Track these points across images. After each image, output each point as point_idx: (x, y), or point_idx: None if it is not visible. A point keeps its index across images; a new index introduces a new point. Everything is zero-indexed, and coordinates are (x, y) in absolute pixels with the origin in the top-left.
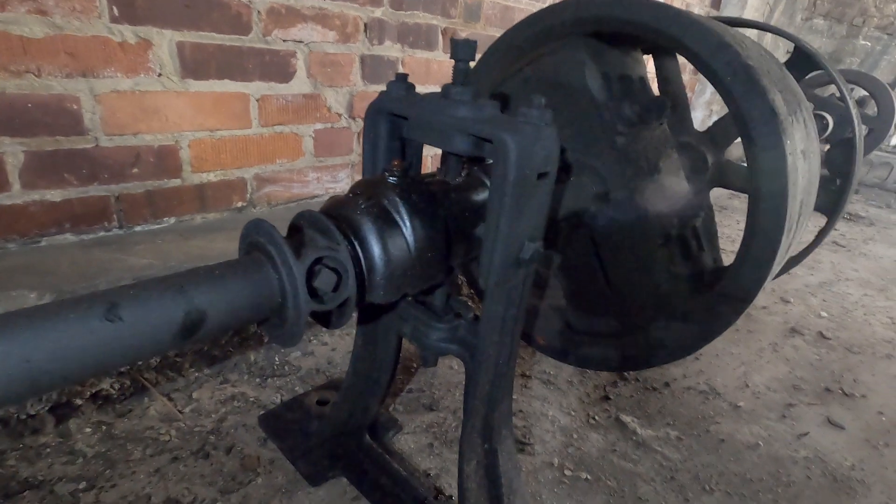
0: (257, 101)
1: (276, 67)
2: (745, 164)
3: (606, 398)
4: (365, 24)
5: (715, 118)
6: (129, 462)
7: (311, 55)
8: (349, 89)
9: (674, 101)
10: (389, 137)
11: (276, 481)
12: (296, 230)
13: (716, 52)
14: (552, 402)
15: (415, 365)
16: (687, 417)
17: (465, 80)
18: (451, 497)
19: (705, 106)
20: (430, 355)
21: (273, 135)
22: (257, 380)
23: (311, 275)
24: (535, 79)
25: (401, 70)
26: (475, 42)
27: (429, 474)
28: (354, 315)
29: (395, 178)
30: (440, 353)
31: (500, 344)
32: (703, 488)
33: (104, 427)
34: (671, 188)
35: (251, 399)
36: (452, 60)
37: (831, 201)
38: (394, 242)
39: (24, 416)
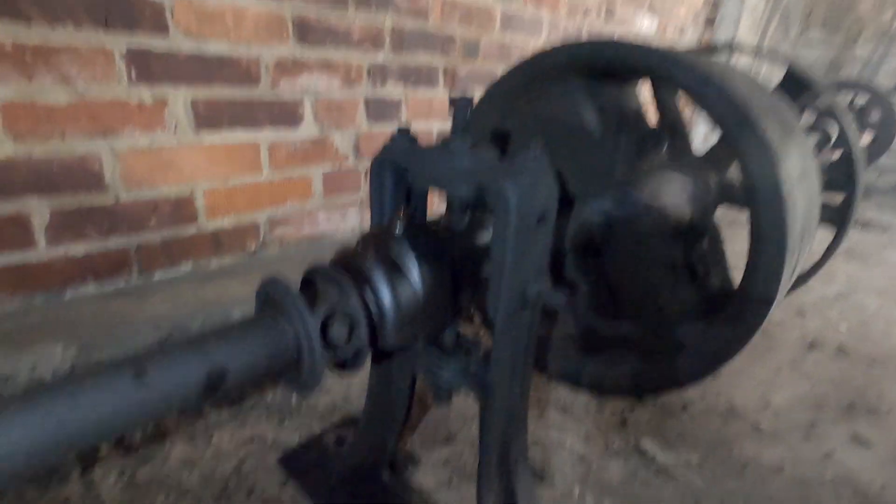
0: (268, 148)
1: (285, 115)
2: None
3: (624, 423)
4: (368, 69)
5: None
6: None
7: (318, 101)
8: (355, 131)
9: (672, 128)
10: (395, 186)
11: None
12: (308, 284)
13: (703, 87)
14: (569, 430)
15: (430, 399)
16: (708, 441)
17: (464, 132)
18: None
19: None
20: (443, 392)
21: (283, 179)
22: (275, 420)
23: (325, 327)
24: (534, 116)
25: (404, 109)
26: (471, 98)
27: None
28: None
29: (400, 228)
30: (452, 388)
31: (511, 382)
32: None
33: (127, 474)
34: (674, 215)
35: (270, 440)
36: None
37: (839, 213)
38: (403, 290)
39: (46, 469)
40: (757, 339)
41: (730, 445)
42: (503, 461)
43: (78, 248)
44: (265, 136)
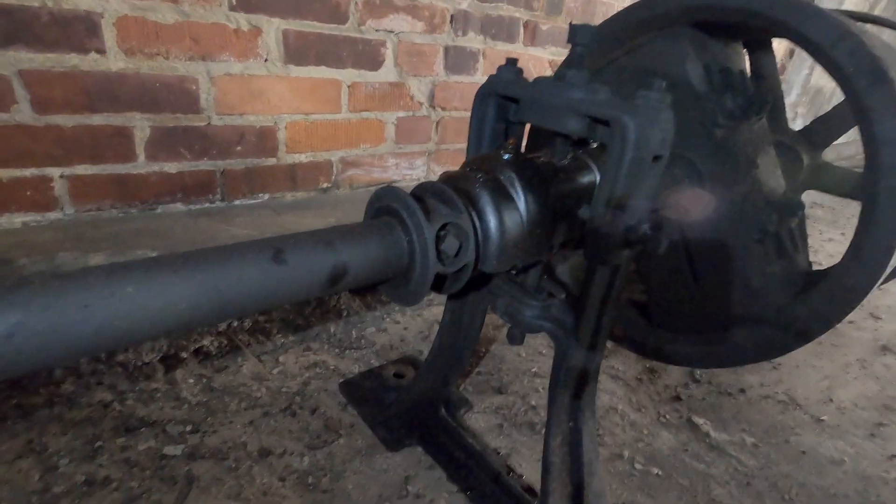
0: (348, 87)
1: (368, 56)
2: (843, 168)
3: (677, 398)
4: (451, 16)
5: (801, 121)
6: (227, 413)
7: (400, 45)
8: (432, 79)
9: (771, 97)
10: (496, 119)
11: (357, 443)
12: (418, 199)
13: (837, 41)
14: (621, 398)
15: (483, 349)
16: (764, 425)
17: (581, 63)
18: (521, 476)
19: (790, 108)
20: (519, 332)
21: (359, 120)
22: (336, 350)
23: (437, 240)
24: (632, 68)
25: (481, 62)
26: (594, 27)
27: (498, 452)
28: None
29: (509, 156)
30: (531, 330)
31: (596, 323)
32: (783, 497)
33: (205, 379)
34: (768, 184)
35: (331, 367)
36: (532, 53)
37: None
38: (509, 216)
39: (139, 363)
40: (824, 334)
41: (787, 433)
42: (574, 402)
43: (171, 166)
44: (347, 74)
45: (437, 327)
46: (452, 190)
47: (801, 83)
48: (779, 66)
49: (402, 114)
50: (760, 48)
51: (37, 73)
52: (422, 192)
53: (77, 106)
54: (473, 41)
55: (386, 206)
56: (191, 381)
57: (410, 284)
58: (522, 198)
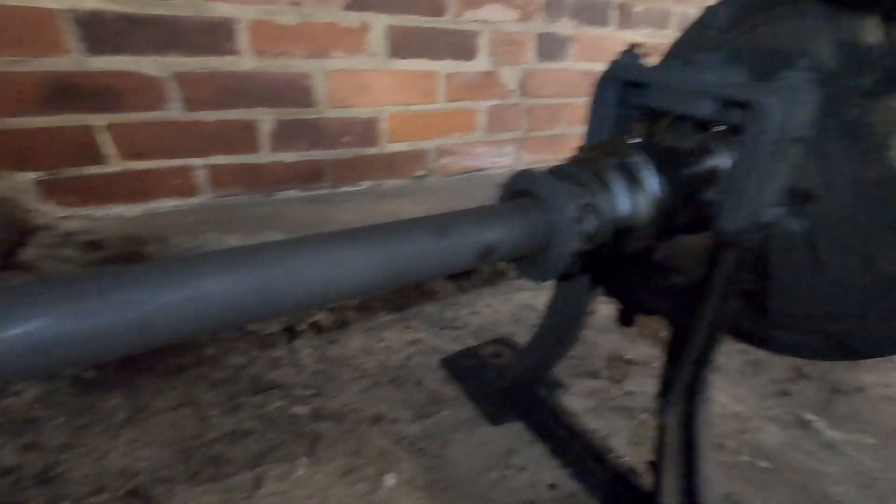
0: (445, 77)
1: (463, 46)
2: None
3: (785, 394)
4: (545, 2)
5: None
6: (342, 380)
7: (494, 35)
8: (523, 67)
9: None
10: (617, 104)
11: (461, 415)
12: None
13: None
14: (722, 389)
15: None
16: (886, 427)
17: (713, 46)
18: (621, 457)
19: None
20: (630, 315)
21: (453, 110)
22: (434, 329)
23: (576, 220)
24: (749, 49)
25: (573, 48)
26: (732, 7)
27: (596, 433)
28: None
29: (637, 140)
30: (648, 312)
31: (719, 306)
32: None
33: (320, 350)
34: None
35: (430, 345)
36: (624, 36)
37: None
38: (641, 198)
39: (266, 333)
40: None
41: None
42: (692, 385)
43: (289, 156)
44: (444, 65)
45: (526, 311)
46: (586, 172)
47: None
48: None
49: (493, 102)
50: None
51: (188, 74)
52: (556, 173)
53: (216, 103)
54: (565, 27)
55: (522, 188)
56: (308, 350)
57: (548, 261)
58: (653, 181)
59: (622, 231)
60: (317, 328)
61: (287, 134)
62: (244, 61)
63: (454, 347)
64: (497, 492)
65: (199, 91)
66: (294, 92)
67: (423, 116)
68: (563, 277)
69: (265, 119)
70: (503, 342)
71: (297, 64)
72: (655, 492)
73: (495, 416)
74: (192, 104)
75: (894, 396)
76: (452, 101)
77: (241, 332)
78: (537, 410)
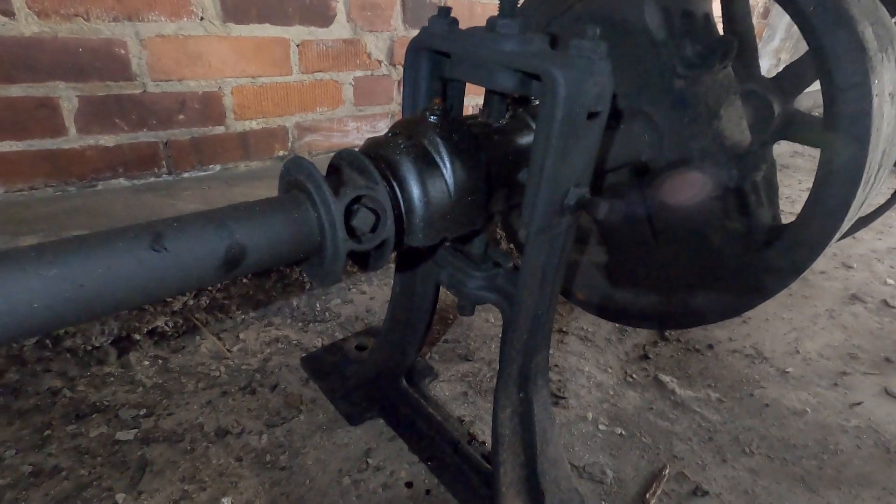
0: (297, 46)
1: (317, 11)
2: (817, 115)
3: (645, 357)
4: None
5: (783, 67)
6: (184, 394)
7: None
8: (390, 34)
9: (740, 43)
10: (431, 77)
11: (318, 419)
12: (334, 170)
13: None
14: (589, 359)
15: (451, 316)
16: (730, 380)
17: (513, 11)
18: (483, 443)
19: (773, 54)
20: (468, 303)
21: (313, 82)
22: (299, 324)
23: (349, 214)
24: (588, 16)
25: None
26: None
27: (462, 420)
28: (392, 263)
29: (435, 118)
30: (478, 301)
31: (540, 294)
32: (743, 451)
33: (160, 361)
34: (732, 137)
35: (293, 342)
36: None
37: None
38: (433, 184)
39: (90, 348)
40: (795, 286)
41: (752, 386)
42: (523, 374)
43: (108, 139)
44: (295, 32)
45: None
46: (371, 158)
47: (784, 27)
48: (762, 9)
49: (359, 73)
50: None
51: None
52: (339, 162)
53: None
54: None
55: (294, 179)
56: (146, 363)
57: (324, 263)
58: (449, 164)
59: (415, 221)
60: (157, 336)
61: (99, 113)
62: (22, 24)
63: (321, 343)
64: (349, 499)
65: None
66: (103, 62)
67: (275, 89)
68: (400, 267)
69: (67, 95)
70: (371, 333)
71: (101, 28)
72: (494, 483)
73: (355, 415)
74: None
75: (740, 350)
76: (310, 72)
77: (54, 350)
78: (399, 404)
